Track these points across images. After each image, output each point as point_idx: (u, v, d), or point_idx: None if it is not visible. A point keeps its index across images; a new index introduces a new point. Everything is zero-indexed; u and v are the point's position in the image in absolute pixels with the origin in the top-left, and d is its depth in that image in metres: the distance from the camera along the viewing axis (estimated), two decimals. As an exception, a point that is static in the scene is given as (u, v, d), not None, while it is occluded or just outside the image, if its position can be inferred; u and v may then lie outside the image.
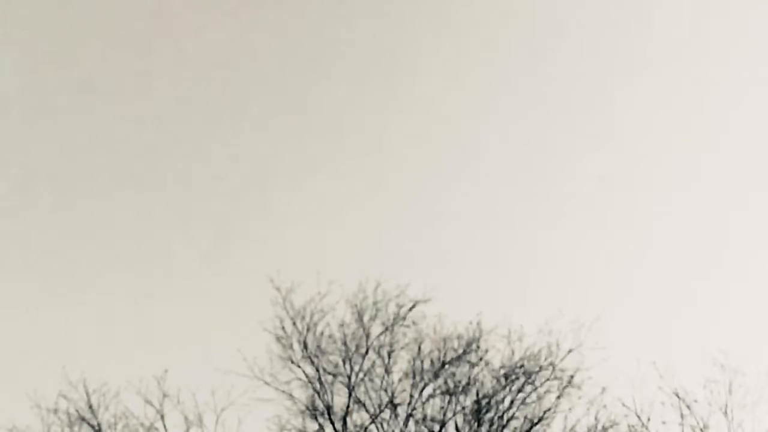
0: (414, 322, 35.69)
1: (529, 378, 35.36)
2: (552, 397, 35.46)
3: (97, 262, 47.39)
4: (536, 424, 35.13)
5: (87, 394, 34.24)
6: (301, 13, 53.93)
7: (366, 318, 35.53)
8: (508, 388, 35.32)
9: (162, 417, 34.22)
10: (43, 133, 51.02)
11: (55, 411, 34.04)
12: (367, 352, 35.31)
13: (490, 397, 35.26)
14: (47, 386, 34.34)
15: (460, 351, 35.54)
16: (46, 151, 50.61)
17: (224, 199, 50.79)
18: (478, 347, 35.65)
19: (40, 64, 51.41)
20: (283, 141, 52.20)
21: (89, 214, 49.29)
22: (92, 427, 34.14)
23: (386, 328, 35.50)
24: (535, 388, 35.40)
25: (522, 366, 35.48)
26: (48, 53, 51.58)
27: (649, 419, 34.35)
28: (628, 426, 34.49)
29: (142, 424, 34.30)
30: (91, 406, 34.17)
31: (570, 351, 35.47)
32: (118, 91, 52.18)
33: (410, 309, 35.68)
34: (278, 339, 35.30)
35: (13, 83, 50.42)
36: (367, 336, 35.38)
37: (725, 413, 33.89)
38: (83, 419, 34.14)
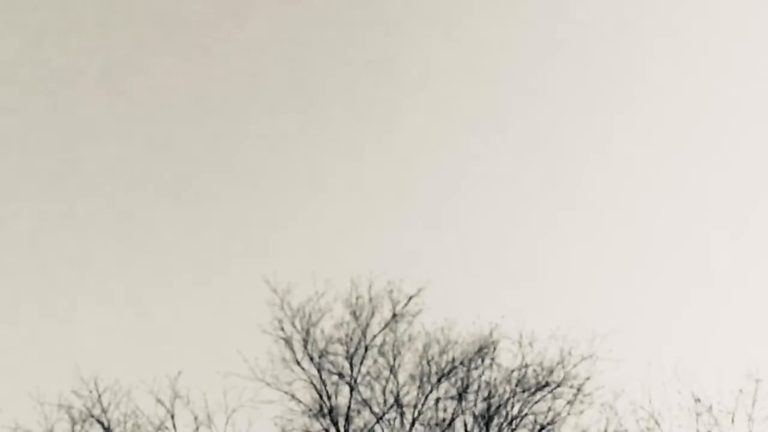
0: (412, 316, 35.43)
1: (540, 383, 35.10)
2: (562, 403, 35.21)
3: (100, 265, 47.26)
4: (545, 428, 34.84)
5: (98, 392, 34.07)
6: (304, 13, 53.84)
7: (363, 316, 35.28)
8: (518, 392, 35.05)
9: (172, 416, 34.01)
10: (44, 134, 50.83)
11: (59, 407, 33.76)
12: (366, 350, 35.00)
13: (500, 401, 34.97)
14: (52, 385, 34.31)
15: (470, 354, 35.26)
16: (49, 153, 50.43)
17: (221, 202, 50.70)
18: (487, 350, 35.39)
19: (41, 62, 51.24)
20: (281, 144, 52.12)
21: (91, 215, 49.15)
22: (101, 424, 33.93)
23: (385, 325, 35.21)
24: (546, 393, 35.14)
25: (533, 369, 35.22)
26: (49, 53, 51.40)
27: (659, 413, 34.10)
28: (640, 430, 34.26)
29: (151, 423, 34.11)
30: (101, 404, 33.94)
31: (583, 359, 35.24)
32: (118, 92, 52.04)
33: (405, 304, 35.41)
34: (280, 340, 35.05)
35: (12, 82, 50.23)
36: (365, 334, 35.09)
37: (748, 420, 33.66)
38: (92, 416, 33.91)
